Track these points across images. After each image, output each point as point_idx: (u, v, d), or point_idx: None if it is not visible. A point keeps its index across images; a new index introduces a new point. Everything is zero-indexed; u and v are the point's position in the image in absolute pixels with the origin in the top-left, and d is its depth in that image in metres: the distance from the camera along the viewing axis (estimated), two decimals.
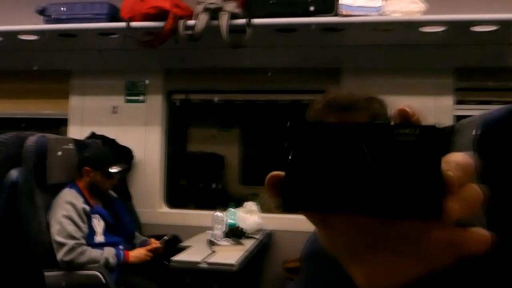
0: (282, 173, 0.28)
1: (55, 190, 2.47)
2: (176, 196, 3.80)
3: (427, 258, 0.27)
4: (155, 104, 3.31)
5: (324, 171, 0.27)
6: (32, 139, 2.42)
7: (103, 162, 2.57)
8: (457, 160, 0.28)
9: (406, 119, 0.30)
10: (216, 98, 3.97)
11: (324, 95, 1.24)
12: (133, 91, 3.32)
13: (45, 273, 2.29)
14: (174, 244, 2.72)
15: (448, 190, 0.26)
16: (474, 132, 1.03)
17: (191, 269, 2.23)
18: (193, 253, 2.40)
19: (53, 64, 3.33)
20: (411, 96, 2.92)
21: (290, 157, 0.28)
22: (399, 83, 2.93)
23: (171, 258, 2.27)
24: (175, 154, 4.01)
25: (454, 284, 0.29)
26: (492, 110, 1.09)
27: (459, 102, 2.99)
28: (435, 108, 2.92)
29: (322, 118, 1.23)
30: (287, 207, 0.28)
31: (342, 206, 0.27)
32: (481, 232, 0.27)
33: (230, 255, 2.33)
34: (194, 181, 5.26)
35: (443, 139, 0.26)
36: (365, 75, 2.95)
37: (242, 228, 2.79)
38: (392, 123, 0.29)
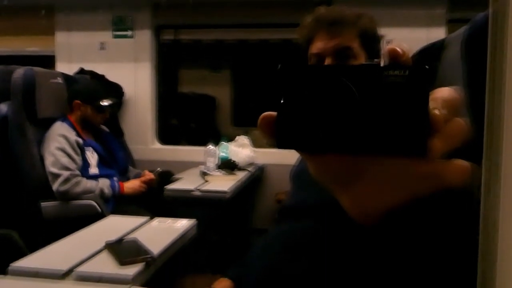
0: (274, 113, 0.30)
1: (46, 124, 2.46)
2: (168, 135, 3.81)
3: (410, 187, 0.29)
4: (144, 39, 3.24)
5: (315, 112, 0.28)
6: (20, 71, 2.38)
7: (94, 95, 2.54)
8: (443, 96, 0.28)
9: (395, 59, 0.30)
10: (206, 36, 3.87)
11: (314, 11, 1.22)
12: (121, 26, 3.24)
13: (41, 203, 2.33)
14: (167, 178, 2.76)
15: (434, 128, 0.27)
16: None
17: (185, 197, 2.27)
18: (187, 183, 2.44)
19: None
20: (403, 27, 2.89)
21: (282, 100, 0.29)
22: (392, 14, 2.89)
23: (165, 187, 2.31)
24: (166, 94, 3.98)
25: (433, 211, 0.31)
26: (479, 14, 1.08)
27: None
28: (427, 40, 2.84)
29: (311, 33, 1.21)
30: (280, 146, 0.29)
31: (332, 146, 0.28)
32: (461, 163, 0.28)
33: (223, 184, 2.37)
34: (185, 122, 5.26)
35: (431, 79, 0.27)
36: (357, 6, 2.85)
37: (234, 161, 2.83)
38: (382, 63, 0.29)
